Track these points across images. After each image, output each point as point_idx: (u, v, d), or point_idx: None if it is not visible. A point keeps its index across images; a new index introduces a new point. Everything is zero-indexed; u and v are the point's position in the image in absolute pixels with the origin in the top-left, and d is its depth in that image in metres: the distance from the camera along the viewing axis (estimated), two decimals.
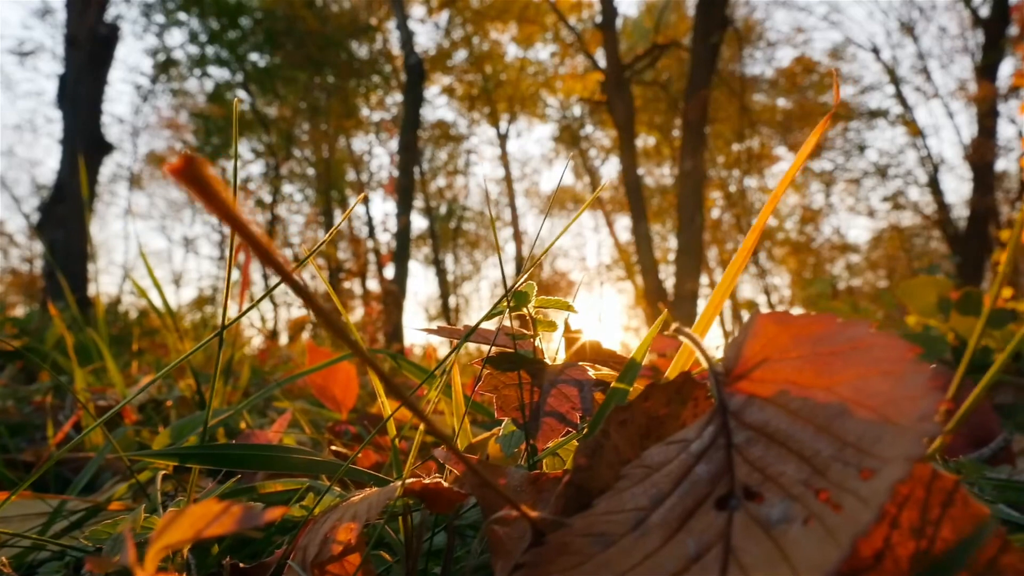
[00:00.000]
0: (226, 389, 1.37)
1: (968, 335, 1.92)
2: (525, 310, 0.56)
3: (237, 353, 1.63)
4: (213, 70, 17.24)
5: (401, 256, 11.05)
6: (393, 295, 8.60)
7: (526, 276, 0.55)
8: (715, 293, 0.45)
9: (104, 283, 24.98)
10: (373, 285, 18.55)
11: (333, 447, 0.96)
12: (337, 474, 0.46)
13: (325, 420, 1.41)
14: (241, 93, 17.69)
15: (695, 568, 0.26)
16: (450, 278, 25.98)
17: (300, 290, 0.21)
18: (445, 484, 0.41)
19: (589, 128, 22.50)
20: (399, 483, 0.41)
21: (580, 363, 0.53)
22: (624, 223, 25.03)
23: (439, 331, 0.56)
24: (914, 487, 0.29)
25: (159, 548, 0.25)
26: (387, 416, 0.56)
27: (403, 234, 11.11)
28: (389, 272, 11.70)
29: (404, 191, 11.10)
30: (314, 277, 20.51)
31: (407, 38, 11.10)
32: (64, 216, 9.07)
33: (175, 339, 1.39)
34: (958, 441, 1.08)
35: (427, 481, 0.41)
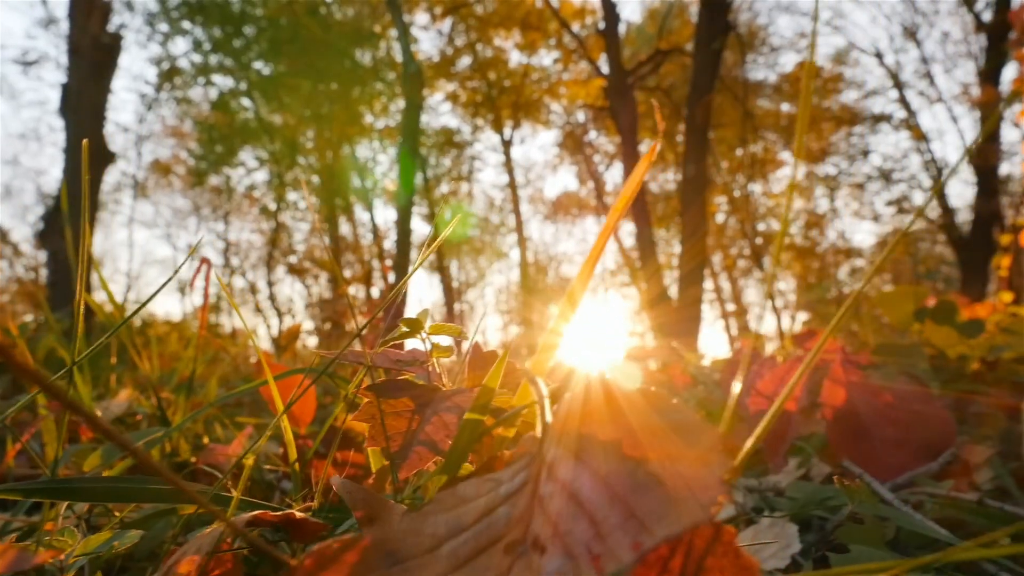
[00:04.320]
0: (187, 403, 1.38)
1: (943, 345, 1.92)
2: (420, 336, 0.57)
3: (199, 368, 1.63)
4: (217, 78, 17.33)
5: (402, 263, 11.05)
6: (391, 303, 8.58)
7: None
8: (561, 311, 0.45)
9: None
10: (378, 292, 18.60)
11: (267, 466, 0.96)
12: (205, 501, 0.47)
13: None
14: (245, 101, 17.77)
15: None
16: (455, 284, 26.02)
17: None
18: (298, 514, 0.42)
19: (593, 134, 22.52)
20: (223, 522, 0.41)
21: (469, 389, 0.53)
22: (628, 228, 25.02)
23: (343, 356, 0.57)
24: (694, 537, 0.30)
25: None
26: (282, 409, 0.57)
27: (403, 241, 11.13)
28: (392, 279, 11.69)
29: (404, 199, 11.13)
30: (316, 281, 20.54)
31: (406, 46, 11.13)
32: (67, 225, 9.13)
33: (143, 356, 1.40)
34: (908, 454, 1.08)
35: (275, 514, 0.41)
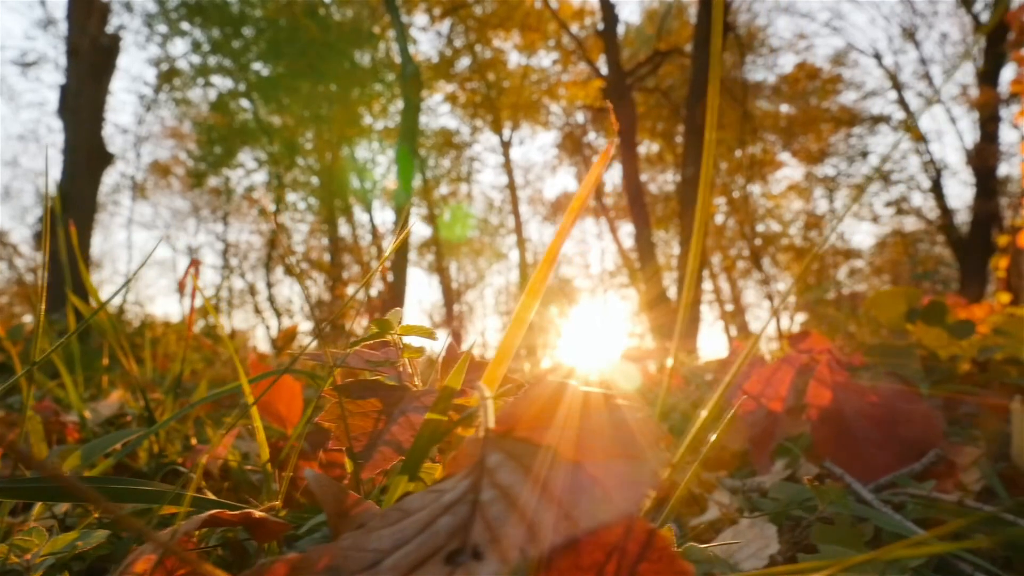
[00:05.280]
0: (176, 404, 1.38)
1: (933, 346, 1.92)
2: (390, 336, 0.57)
3: (195, 368, 1.64)
4: (216, 80, 17.34)
5: (399, 265, 11.06)
6: (385, 307, 8.60)
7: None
8: (508, 332, 0.45)
9: (108, 293, 25.03)
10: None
11: (248, 466, 0.96)
12: (163, 501, 0.47)
13: (272, 436, 1.41)
14: (244, 102, 17.78)
15: None
16: (454, 286, 26.02)
17: None
18: (257, 514, 0.42)
19: (592, 135, 22.53)
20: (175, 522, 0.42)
21: (436, 389, 0.53)
22: (628, 229, 25.03)
23: (303, 357, 0.57)
24: (629, 542, 0.30)
25: None
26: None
27: (401, 244, 11.13)
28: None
29: (403, 200, 11.14)
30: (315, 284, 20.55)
31: (404, 47, 11.14)
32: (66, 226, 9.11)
33: (129, 359, 1.40)
34: (892, 455, 1.08)
35: (232, 513, 0.41)
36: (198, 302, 1.27)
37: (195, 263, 1.35)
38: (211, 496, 0.67)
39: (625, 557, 0.30)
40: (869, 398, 1.14)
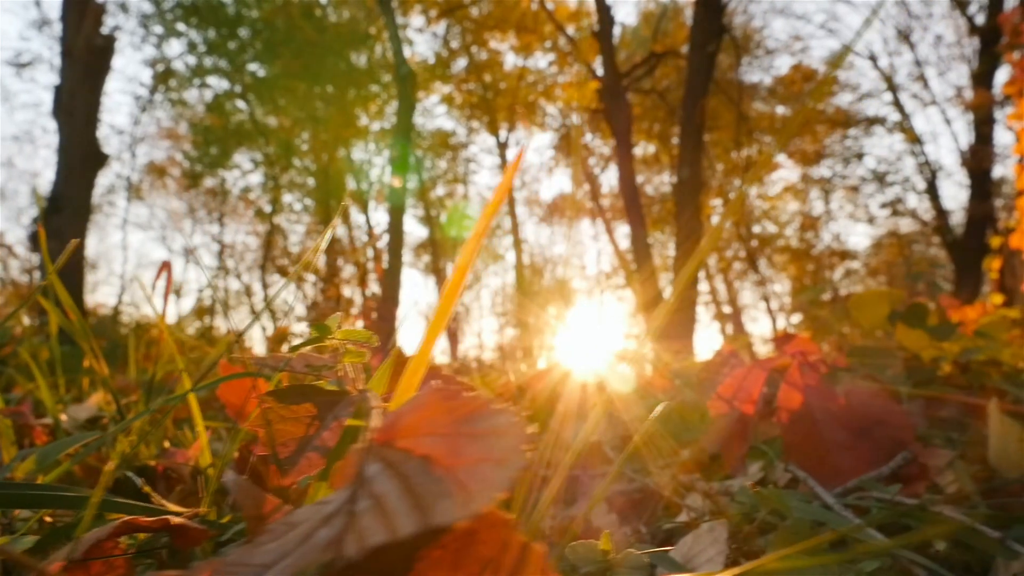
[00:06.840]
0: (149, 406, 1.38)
1: (915, 348, 1.92)
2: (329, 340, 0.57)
3: (162, 369, 1.63)
4: (212, 80, 17.34)
5: (394, 266, 11.06)
6: (380, 308, 8.61)
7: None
8: (427, 335, 0.45)
9: (104, 294, 24.99)
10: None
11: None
12: (86, 507, 0.47)
13: (246, 438, 1.41)
14: (240, 103, 17.78)
15: None
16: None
17: None
18: (175, 520, 0.42)
19: (588, 136, 22.52)
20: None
21: (373, 391, 0.53)
22: (624, 231, 25.02)
23: (254, 361, 0.57)
24: (506, 555, 0.30)
25: None
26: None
27: (396, 242, 11.13)
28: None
29: (397, 200, 11.14)
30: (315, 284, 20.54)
31: (398, 49, 11.15)
32: (60, 227, 9.10)
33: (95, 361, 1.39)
34: (861, 457, 1.08)
35: (148, 519, 0.41)
36: (176, 304, 1.27)
37: (166, 266, 1.34)
38: (160, 501, 0.67)
39: (500, 571, 0.29)
40: (840, 401, 1.14)
